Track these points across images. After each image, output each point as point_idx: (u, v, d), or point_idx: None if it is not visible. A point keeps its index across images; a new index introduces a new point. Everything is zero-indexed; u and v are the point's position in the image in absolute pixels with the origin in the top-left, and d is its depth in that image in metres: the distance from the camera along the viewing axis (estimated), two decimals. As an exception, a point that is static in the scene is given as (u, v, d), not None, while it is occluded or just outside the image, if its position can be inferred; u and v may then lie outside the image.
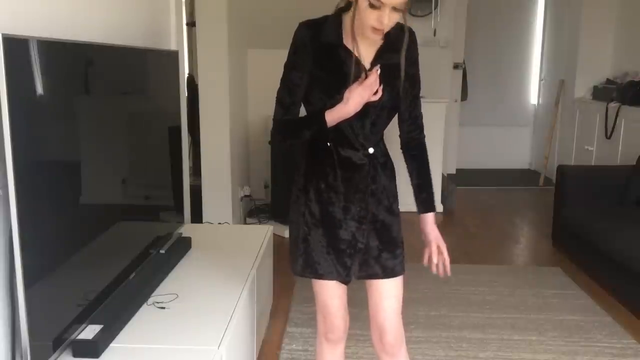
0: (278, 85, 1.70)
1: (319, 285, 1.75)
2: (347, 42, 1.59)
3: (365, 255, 1.69)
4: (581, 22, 5.47)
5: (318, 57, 1.58)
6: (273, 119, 1.71)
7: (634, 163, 3.83)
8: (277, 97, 1.70)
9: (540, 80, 6.79)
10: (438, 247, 1.73)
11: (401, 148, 1.77)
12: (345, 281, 1.72)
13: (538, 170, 6.48)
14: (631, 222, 3.38)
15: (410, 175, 1.77)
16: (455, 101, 6.23)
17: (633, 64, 5.01)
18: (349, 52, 1.58)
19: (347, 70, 1.56)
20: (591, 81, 5.42)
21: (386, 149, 1.73)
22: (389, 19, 1.46)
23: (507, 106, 6.92)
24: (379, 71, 1.55)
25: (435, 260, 1.73)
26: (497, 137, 6.93)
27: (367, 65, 1.59)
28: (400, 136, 1.76)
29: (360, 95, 1.53)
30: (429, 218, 1.75)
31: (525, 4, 6.74)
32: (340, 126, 1.60)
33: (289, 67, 1.64)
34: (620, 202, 3.74)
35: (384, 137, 1.74)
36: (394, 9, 1.46)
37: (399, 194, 1.78)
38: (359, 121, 1.60)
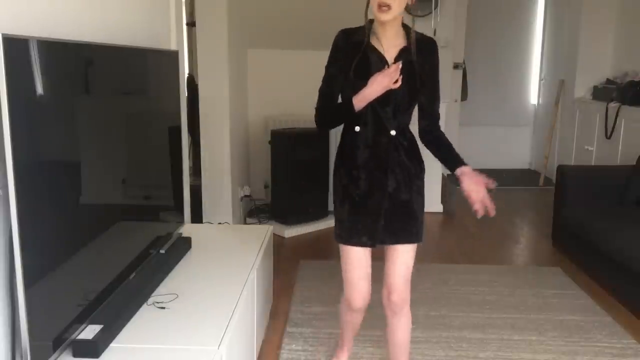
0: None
1: (346, 253, 1.98)
2: (374, 41, 1.89)
3: (387, 224, 1.94)
4: (581, 22, 5.47)
5: (348, 54, 1.89)
6: (315, 107, 1.99)
7: (634, 163, 3.83)
8: (319, 90, 1.98)
9: (540, 80, 6.79)
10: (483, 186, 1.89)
11: (420, 139, 2.03)
12: (371, 245, 1.96)
13: (538, 170, 6.48)
14: (631, 222, 3.38)
15: (436, 157, 2.02)
16: (455, 101, 6.22)
17: (633, 64, 5.01)
18: (374, 50, 1.88)
19: (370, 63, 1.87)
20: (591, 81, 5.42)
21: (412, 137, 1.99)
22: None
23: (507, 106, 6.92)
24: (400, 66, 1.83)
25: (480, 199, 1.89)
26: (497, 137, 6.93)
27: (391, 61, 1.88)
28: (418, 128, 2.02)
29: (380, 81, 1.82)
30: (466, 168, 1.91)
31: (525, 4, 6.74)
32: (367, 111, 1.89)
33: (327, 64, 1.95)
34: (620, 202, 3.74)
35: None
36: None
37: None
38: (383, 107, 1.89)
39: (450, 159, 1.96)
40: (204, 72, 3.91)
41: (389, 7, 1.76)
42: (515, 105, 6.97)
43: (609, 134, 4.69)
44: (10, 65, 1.27)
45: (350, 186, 1.95)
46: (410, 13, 1.93)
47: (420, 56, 1.89)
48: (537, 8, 6.74)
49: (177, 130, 2.69)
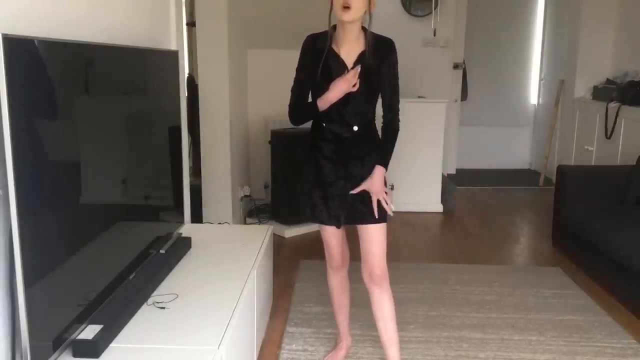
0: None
1: (322, 229, 2.27)
2: (335, 47, 2.09)
3: (350, 206, 2.17)
4: (581, 22, 5.47)
5: (314, 59, 2.10)
6: (288, 105, 2.20)
7: (634, 163, 3.83)
8: (291, 89, 2.19)
9: (540, 80, 6.79)
10: (378, 197, 2.13)
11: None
12: (337, 226, 2.21)
13: (538, 170, 6.48)
14: (631, 222, 3.38)
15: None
16: (455, 101, 6.23)
17: (633, 64, 5.01)
18: (335, 55, 2.08)
19: (331, 68, 2.08)
20: (591, 81, 5.43)
21: (374, 129, 2.20)
22: None
23: (507, 106, 6.92)
24: (359, 70, 2.04)
25: (375, 205, 2.13)
26: (497, 137, 6.93)
27: (350, 65, 2.07)
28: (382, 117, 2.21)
29: (339, 87, 2.04)
30: (377, 170, 2.14)
31: (525, 4, 6.74)
32: (331, 110, 2.09)
33: (298, 67, 2.17)
34: (620, 202, 3.74)
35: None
36: None
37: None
38: (343, 106, 2.09)
39: (380, 157, 2.16)
40: (204, 72, 3.91)
41: (349, 7, 1.95)
42: (515, 105, 6.97)
43: (609, 134, 4.69)
44: (10, 65, 1.27)
45: (319, 175, 2.17)
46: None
47: (378, 57, 2.07)
48: (537, 8, 6.74)
49: (177, 130, 2.70)
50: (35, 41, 1.41)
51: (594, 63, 5.47)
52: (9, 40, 1.27)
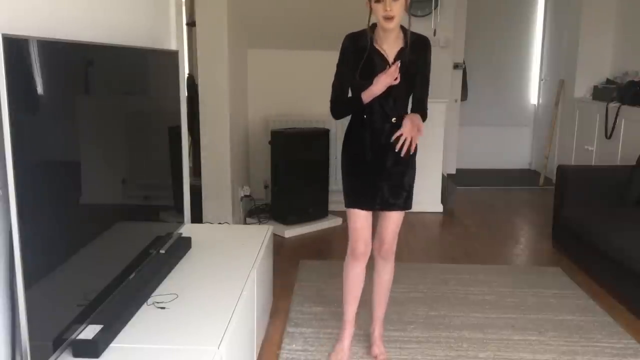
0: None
1: (353, 213, 2.38)
2: (377, 45, 2.27)
3: (385, 193, 2.35)
4: (581, 22, 5.47)
5: (357, 57, 2.27)
6: (330, 100, 2.36)
7: (634, 163, 3.83)
8: (332, 84, 2.35)
9: (540, 80, 6.79)
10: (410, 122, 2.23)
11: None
12: (370, 209, 2.37)
13: (538, 170, 6.48)
14: (631, 222, 3.38)
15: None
16: (455, 101, 6.23)
17: (633, 64, 5.01)
18: (377, 52, 2.26)
19: (375, 64, 2.26)
20: (591, 81, 5.42)
21: None
22: (390, 7, 2.11)
23: (507, 106, 6.92)
24: (399, 64, 2.22)
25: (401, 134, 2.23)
26: (497, 137, 6.93)
27: (391, 61, 2.26)
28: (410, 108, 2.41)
29: (383, 81, 2.22)
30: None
31: (525, 4, 6.74)
32: (373, 103, 2.27)
33: (339, 65, 2.33)
34: (620, 202, 3.73)
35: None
36: None
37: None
38: (385, 99, 2.28)
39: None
40: (204, 72, 3.91)
41: (392, 18, 2.15)
42: (515, 105, 6.97)
43: (609, 134, 4.69)
44: (10, 65, 1.27)
45: (355, 163, 2.35)
46: (410, 14, 2.21)
47: (414, 54, 2.29)
48: (537, 8, 6.74)
49: (177, 130, 2.70)
50: (35, 41, 1.41)
51: (594, 63, 5.47)
52: (9, 40, 1.27)
